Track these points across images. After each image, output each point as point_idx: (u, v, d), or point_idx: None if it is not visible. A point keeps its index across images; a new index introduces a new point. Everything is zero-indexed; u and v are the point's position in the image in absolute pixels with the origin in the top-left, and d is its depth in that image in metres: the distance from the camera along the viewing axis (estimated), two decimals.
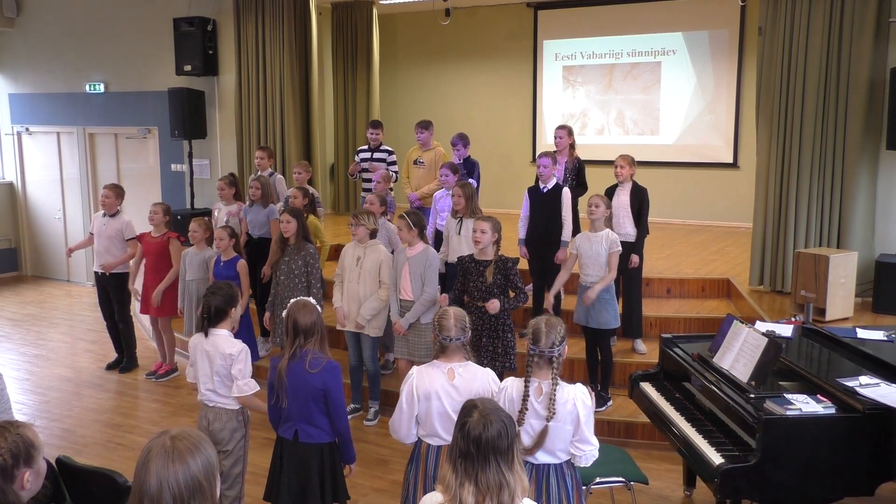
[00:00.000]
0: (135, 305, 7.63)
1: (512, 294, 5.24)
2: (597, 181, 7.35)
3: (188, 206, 9.84)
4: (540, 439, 3.23)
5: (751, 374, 3.80)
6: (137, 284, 7.15)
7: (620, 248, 5.66)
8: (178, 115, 9.48)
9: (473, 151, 7.52)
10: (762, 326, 4.58)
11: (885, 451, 3.50)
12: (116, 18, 10.42)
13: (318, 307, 3.87)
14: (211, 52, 9.66)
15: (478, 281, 5.20)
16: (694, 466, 3.86)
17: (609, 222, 5.73)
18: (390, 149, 8.04)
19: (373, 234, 5.81)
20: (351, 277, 5.81)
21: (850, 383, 3.72)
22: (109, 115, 10.73)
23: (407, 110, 11.83)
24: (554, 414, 3.20)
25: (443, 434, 3.46)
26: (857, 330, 4.63)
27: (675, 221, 10.40)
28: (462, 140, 7.32)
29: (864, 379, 3.76)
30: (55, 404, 6.63)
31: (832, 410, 3.52)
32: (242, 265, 6.24)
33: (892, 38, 6.49)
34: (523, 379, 3.30)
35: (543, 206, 6.30)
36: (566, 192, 6.32)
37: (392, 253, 5.91)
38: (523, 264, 6.33)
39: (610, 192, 6.32)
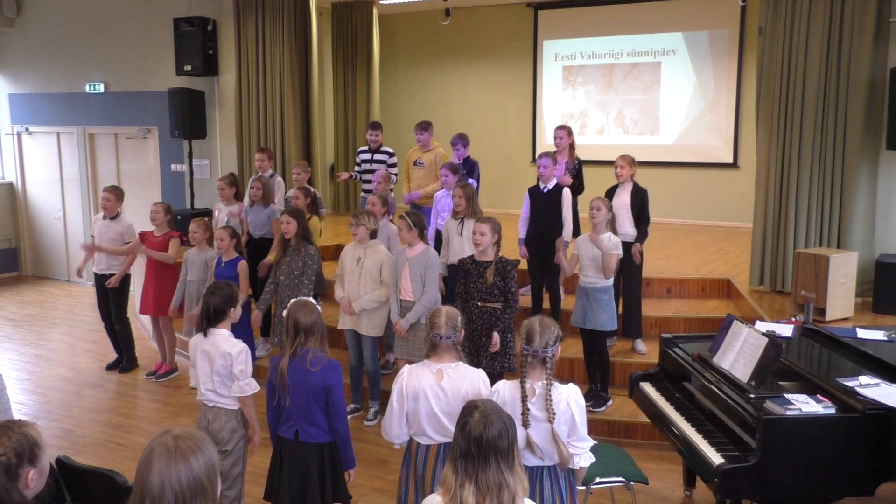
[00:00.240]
0: (134, 306, 7.64)
1: (502, 303, 5.22)
2: (597, 181, 7.36)
3: (188, 206, 9.84)
4: (558, 445, 3.20)
5: (751, 374, 3.80)
6: (136, 286, 7.15)
7: (620, 252, 5.65)
8: (178, 115, 9.48)
9: (473, 151, 7.52)
10: (762, 326, 4.58)
11: (885, 451, 3.50)
12: (116, 18, 10.42)
13: (318, 307, 3.87)
14: (211, 52, 9.66)
15: (478, 282, 5.20)
16: (694, 466, 3.86)
17: (612, 225, 5.72)
18: (390, 150, 8.05)
19: (373, 235, 5.81)
20: (351, 278, 5.81)
21: (850, 383, 3.72)
22: (109, 115, 10.73)
23: (407, 110, 11.84)
24: (555, 415, 3.19)
25: (431, 433, 3.46)
26: (857, 330, 4.63)
27: (675, 221, 10.40)
28: (461, 140, 7.32)
29: (864, 379, 3.77)
30: (55, 404, 6.64)
31: (832, 410, 3.52)
32: (243, 266, 6.23)
33: (892, 38, 6.49)
34: (516, 381, 3.29)
35: (544, 207, 6.30)
36: (566, 193, 6.32)
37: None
38: (523, 264, 6.34)
39: (610, 193, 6.32)
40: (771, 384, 3.83)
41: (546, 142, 10.93)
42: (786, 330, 4.61)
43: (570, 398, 3.25)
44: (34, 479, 2.31)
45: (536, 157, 6.60)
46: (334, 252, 7.89)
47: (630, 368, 5.84)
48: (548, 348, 3.25)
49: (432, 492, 3.38)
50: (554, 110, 11.36)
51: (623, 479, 4.06)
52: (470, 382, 3.44)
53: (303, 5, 9.50)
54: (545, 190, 6.33)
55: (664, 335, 4.78)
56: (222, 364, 4.03)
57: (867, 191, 6.65)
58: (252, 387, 4.07)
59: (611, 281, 5.68)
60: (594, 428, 5.34)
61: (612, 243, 5.59)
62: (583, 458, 3.30)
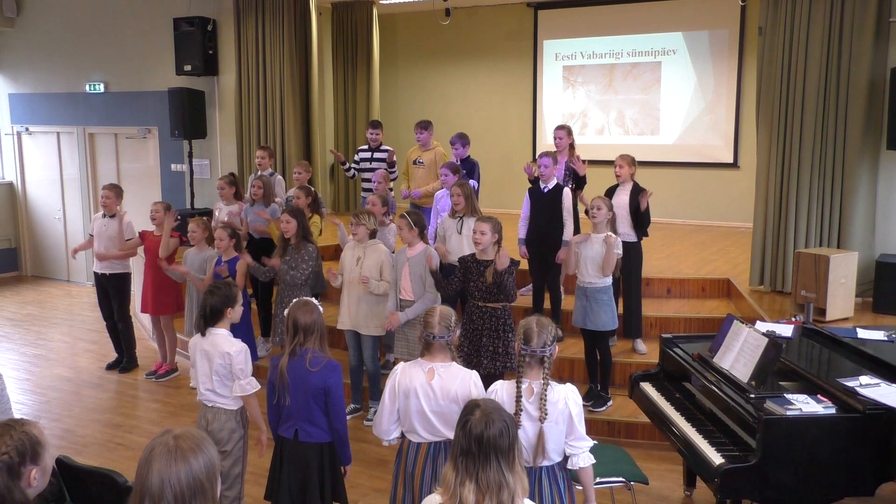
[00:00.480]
0: (135, 305, 7.64)
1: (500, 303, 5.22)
2: (597, 181, 7.35)
3: (188, 206, 9.84)
4: (539, 444, 3.21)
5: (751, 375, 3.80)
6: (137, 285, 7.15)
7: (620, 252, 5.64)
8: (178, 115, 9.48)
9: (473, 151, 7.51)
10: (762, 326, 4.58)
11: (886, 452, 3.50)
12: (116, 18, 10.42)
13: (319, 307, 3.87)
14: (211, 52, 9.66)
15: (478, 281, 5.20)
16: (694, 466, 3.86)
17: (612, 224, 5.72)
18: (390, 149, 8.05)
19: (373, 234, 5.81)
20: (351, 278, 5.81)
21: (850, 383, 3.72)
22: (109, 115, 10.73)
23: (407, 110, 11.83)
24: (546, 415, 3.19)
25: (421, 432, 3.47)
26: (858, 330, 4.63)
27: (675, 221, 10.40)
28: (460, 140, 7.30)
29: (864, 379, 3.76)
30: (55, 404, 6.63)
31: (832, 411, 3.52)
32: (241, 264, 6.22)
33: (892, 38, 6.49)
34: (513, 381, 3.29)
35: (544, 207, 6.30)
36: (567, 192, 6.32)
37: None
38: (524, 264, 6.34)
39: (611, 193, 6.32)
40: (771, 384, 3.83)
41: (546, 142, 10.93)
42: (786, 330, 4.61)
43: (567, 398, 3.25)
44: (37, 478, 2.30)
45: (536, 157, 6.59)
46: (334, 252, 7.89)
47: (630, 368, 5.84)
48: (545, 348, 3.25)
49: (421, 489, 3.40)
50: (554, 110, 11.36)
51: (623, 479, 4.06)
52: (461, 383, 3.43)
53: (303, 5, 9.50)
54: (545, 190, 6.32)
55: (664, 335, 4.78)
56: (221, 364, 4.03)
57: (867, 191, 6.64)
58: (253, 385, 4.07)
59: (609, 280, 5.67)
60: (594, 428, 5.35)
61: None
62: (581, 458, 3.30)
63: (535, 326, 3.28)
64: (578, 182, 6.86)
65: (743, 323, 4.13)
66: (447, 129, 8.29)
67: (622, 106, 10.93)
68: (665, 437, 4.26)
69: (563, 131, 7.04)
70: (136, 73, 10.39)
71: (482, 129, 11.01)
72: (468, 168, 7.15)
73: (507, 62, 11.63)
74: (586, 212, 5.92)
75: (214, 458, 2.02)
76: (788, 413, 3.48)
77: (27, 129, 11.59)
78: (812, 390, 3.72)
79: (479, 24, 11.58)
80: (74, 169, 11.24)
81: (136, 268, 7.89)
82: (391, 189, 7.33)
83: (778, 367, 3.98)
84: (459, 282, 5.30)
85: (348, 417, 4.56)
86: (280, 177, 8.01)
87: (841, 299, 6.23)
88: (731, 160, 10.28)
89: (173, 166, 10.25)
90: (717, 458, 3.60)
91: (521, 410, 3.21)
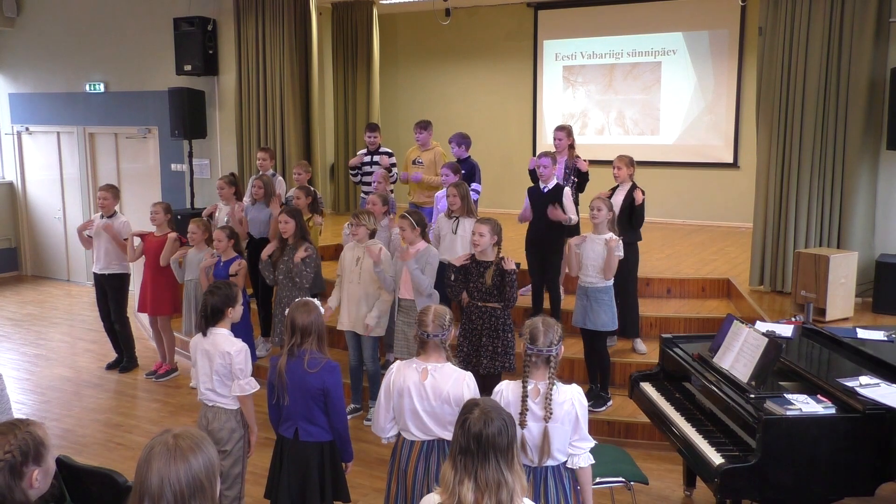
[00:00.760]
0: (134, 305, 7.63)
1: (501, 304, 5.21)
2: (597, 181, 7.36)
3: (188, 206, 9.84)
4: (544, 444, 3.21)
5: (751, 375, 3.80)
6: (136, 285, 7.14)
7: (622, 254, 5.63)
8: (178, 114, 9.48)
9: (473, 151, 7.49)
10: (762, 326, 4.58)
11: (886, 452, 3.50)
12: (116, 18, 10.42)
13: (319, 307, 3.87)
14: (211, 51, 9.66)
15: (478, 282, 5.20)
16: (694, 466, 3.86)
17: (612, 224, 5.71)
18: (389, 150, 8.04)
19: (372, 234, 5.81)
20: (351, 278, 5.81)
21: (850, 383, 3.72)
22: (109, 114, 10.73)
23: (407, 110, 11.83)
24: (551, 415, 3.19)
25: (414, 430, 3.49)
26: (858, 330, 4.63)
27: (675, 221, 10.40)
28: (457, 139, 7.26)
29: (864, 379, 3.76)
30: (55, 404, 6.63)
31: (832, 411, 3.52)
32: (237, 267, 6.21)
33: (892, 38, 6.49)
34: (519, 381, 3.29)
35: (544, 207, 6.29)
36: (567, 192, 6.32)
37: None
38: (524, 264, 6.33)
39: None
40: (771, 384, 3.83)
41: (546, 142, 10.93)
42: (786, 330, 4.61)
43: (573, 398, 3.25)
44: (39, 480, 2.29)
45: (536, 156, 6.59)
46: (334, 252, 7.89)
47: (630, 368, 5.84)
48: (552, 347, 3.26)
49: (413, 486, 3.41)
50: (554, 110, 11.36)
51: (623, 479, 4.05)
52: (454, 384, 3.43)
53: (303, 5, 9.50)
54: (545, 190, 6.32)
55: (664, 335, 4.78)
56: (221, 363, 4.03)
57: (867, 191, 6.64)
58: (252, 386, 4.07)
59: (611, 281, 5.67)
60: (594, 428, 5.32)
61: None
62: (582, 458, 3.31)
63: (541, 326, 3.29)
64: (581, 179, 6.85)
65: (743, 323, 4.13)
66: (447, 129, 8.28)
67: (622, 106, 10.93)
68: (665, 437, 4.26)
69: (563, 132, 7.03)
70: (136, 72, 10.39)
71: (482, 129, 11.01)
72: (467, 169, 7.14)
73: (507, 62, 11.63)
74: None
75: (214, 458, 2.02)
76: (788, 413, 3.48)
77: (27, 129, 11.59)
78: (812, 390, 3.72)
79: (479, 24, 11.58)
80: (74, 169, 11.24)
81: (136, 268, 7.88)
82: (391, 190, 7.32)
83: (778, 367, 3.98)
84: (462, 284, 5.29)
85: (348, 417, 4.55)
86: (280, 178, 8.01)
87: (841, 299, 6.23)
88: (731, 160, 10.28)
89: (173, 166, 10.25)
90: (716, 458, 3.60)
91: (527, 411, 3.21)
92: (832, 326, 5.39)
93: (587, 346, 5.85)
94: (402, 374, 3.50)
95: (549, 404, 3.19)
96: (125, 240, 7.07)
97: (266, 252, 6.16)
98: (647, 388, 4.57)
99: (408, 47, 12.35)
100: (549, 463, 3.28)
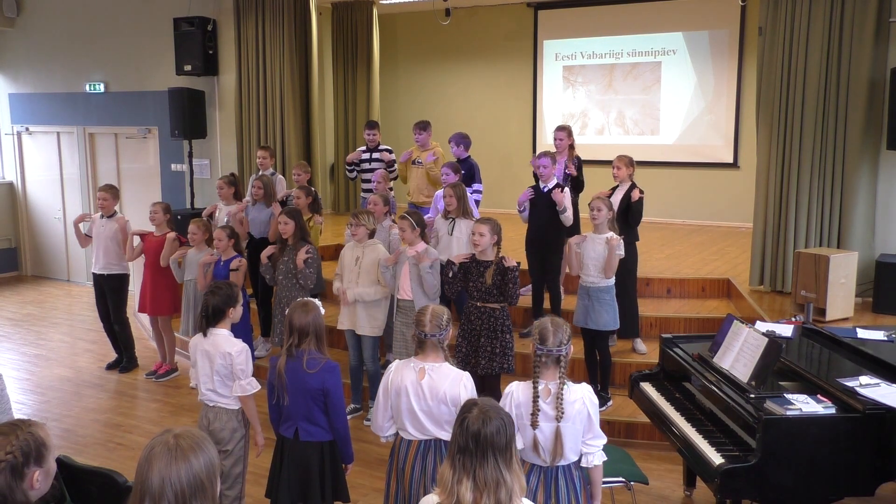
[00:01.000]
0: (133, 305, 7.63)
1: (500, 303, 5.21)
2: (597, 181, 7.35)
3: (188, 206, 9.84)
4: (557, 444, 3.22)
5: (751, 375, 3.80)
6: (136, 285, 7.14)
7: (623, 253, 5.64)
8: (178, 114, 9.47)
9: (473, 151, 7.48)
10: (762, 326, 4.58)
11: (886, 451, 3.50)
12: (116, 18, 10.42)
13: (319, 308, 3.87)
14: (211, 51, 9.66)
15: (478, 282, 5.20)
16: (694, 466, 3.86)
17: (612, 224, 5.71)
18: (389, 148, 8.04)
19: (371, 234, 5.81)
20: (350, 277, 5.81)
21: (850, 383, 3.72)
22: (109, 114, 10.73)
23: (407, 110, 11.83)
24: (563, 414, 3.20)
25: (410, 430, 3.50)
26: (858, 330, 4.63)
27: (675, 221, 10.41)
28: (455, 139, 7.25)
29: (864, 379, 3.76)
30: (55, 404, 6.63)
31: (832, 410, 3.52)
32: (238, 263, 6.21)
33: (892, 38, 6.49)
34: (529, 382, 3.30)
35: (544, 207, 6.29)
36: (567, 192, 6.32)
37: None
38: (524, 264, 6.32)
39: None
40: (771, 384, 3.83)
41: (546, 142, 10.93)
42: (786, 330, 4.61)
43: (584, 396, 3.27)
44: (40, 481, 2.29)
45: (535, 156, 6.58)
46: (334, 252, 7.89)
47: (630, 368, 5.84)
48: (561, 347, 3.27)
49: (410, 485, 3.42)
50: (554, 110, 11.36)
51: (623, 479, 4.06)
52: (451, 384, 3.43)
53: (303, 5, 9.50)
54: (545, 190, 6.32)
55: (664, 335, 4.78)
56: (222, 364, 4.03)
57: (867, 191, 6.64)
58: (253, 386, 4.08)
59: (612, 280, 5.67)
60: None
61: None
62: (596, 456, 3.33)
63: (550, 326, 3.30)
64: (576, 184, 6.83)
65: (743, 323, 4.13)
66: (447, 130, 8.28)
67: (622, 106, 10.93)
68: (665, 437, 4.26)
69: (564, 132, 7.03)
70: (136, 73, 10.39)
71: (482, 129, 11.01)
72: (467, 169, 7.13)
73: (507, 62, 11.63)
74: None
75: (214, 458, 2.03)
76: (788, 413, 3.48)
77: (27, 129, 11.59)
78: (812, 390, 3.72)
79: (479, 24, 11.58)
80: (74, 169, 11.23)
81: (136, 268, 7.88)
82: (391, 189, 7.31)
83: (778, 367, 3.98)
84: (461, 282, 5.30)
85: (348, 417, 4.55)
86: (281, 176, 8.01)
87: (841, 299, 6.23)
88: (731, 160, 10.28)
89: (173, 166, 10.25)
90: (717, 458, 3.60)
91: (539, 411, 3.21)
92: (832, 326, 5.39)
93: (588, 345, 5.85)
94: (400, 374, 3.51)
95: (561, 404, 3.20)
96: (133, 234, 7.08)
97: (265, 254, 6.15)
98: (648, 388, 4.57)
99: (408, 47, 12.35)
100: (561, 462, 3.29)
